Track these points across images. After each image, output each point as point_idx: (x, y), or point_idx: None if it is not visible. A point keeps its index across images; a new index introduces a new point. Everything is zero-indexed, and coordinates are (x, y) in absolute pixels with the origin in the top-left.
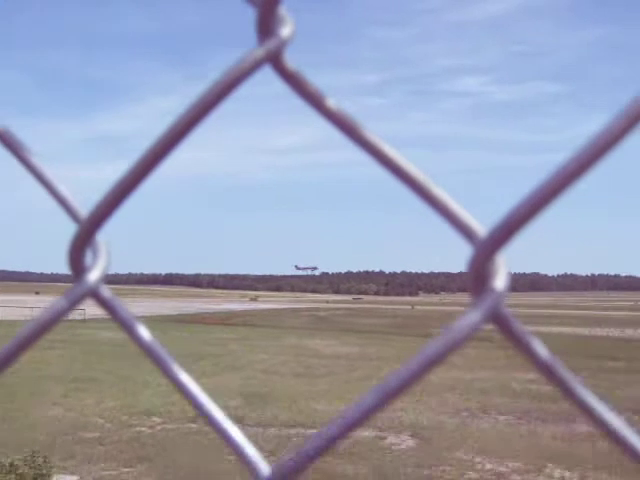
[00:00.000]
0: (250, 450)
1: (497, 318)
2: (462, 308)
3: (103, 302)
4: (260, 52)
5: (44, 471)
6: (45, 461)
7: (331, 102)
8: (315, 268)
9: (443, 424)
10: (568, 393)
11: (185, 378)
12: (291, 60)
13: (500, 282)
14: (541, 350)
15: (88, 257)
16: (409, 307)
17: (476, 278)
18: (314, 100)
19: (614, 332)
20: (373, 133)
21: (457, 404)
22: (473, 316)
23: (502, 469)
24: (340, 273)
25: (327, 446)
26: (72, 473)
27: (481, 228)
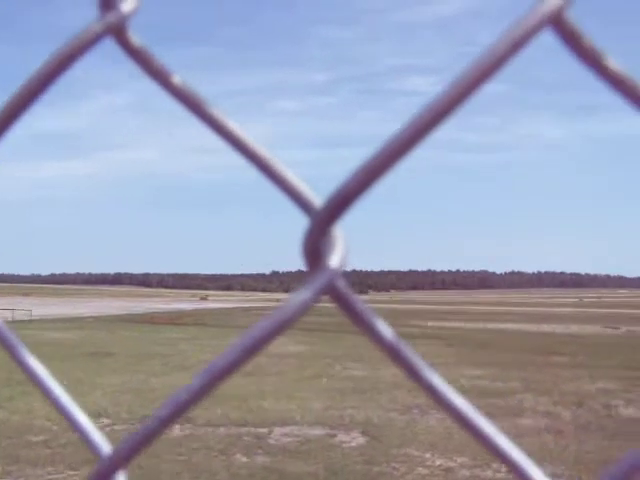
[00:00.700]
0: (93, 432)
1: (335, 296)
2: (413, 306)
3: None
4: (99, 26)
5: None
6: None
7: (177, 79)
8: None
9: (393, 421)
10: (413, 375)
11: (33, 362)
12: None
13: (335, 258)
14: (385, 330)
15: None
16: None
17: (311, 253)
18: (160, 77)
19: (559, 328)
20: (219, 110)
21: (407, 401)
22: (304, 294)
23: (451, 464)
24: (291, 272)
25: (160, 428)
26: (17, 477)
27: (317, 199)
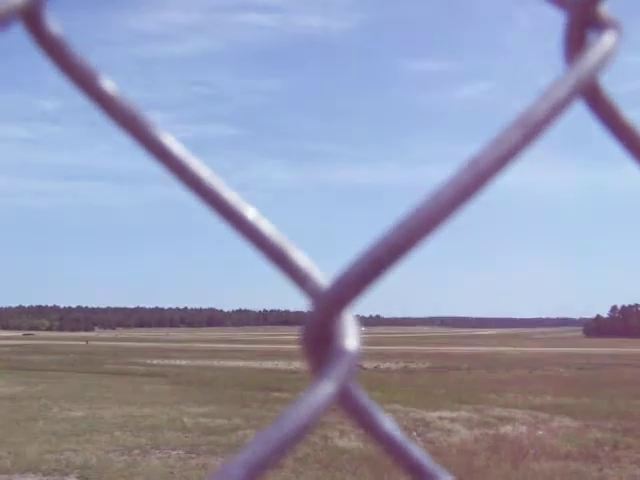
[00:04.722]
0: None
1: (347, 404)
2: (139, 343)
3: None
4: (3, 6)
5: None
6: None
7: (108, 83)
8: None
9: (112, 462)
10: None
11: None
12: None
13: (353, 341)
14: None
15: None
16: (83, 343)
17: (319, 338)
18: (83, 79)
19: (282, 364)
20: (165, 133)
21: (128, 441)
22: (327, 386)
23: None
24: (10, 308)
25: None
26: None
27: (324, 278)
